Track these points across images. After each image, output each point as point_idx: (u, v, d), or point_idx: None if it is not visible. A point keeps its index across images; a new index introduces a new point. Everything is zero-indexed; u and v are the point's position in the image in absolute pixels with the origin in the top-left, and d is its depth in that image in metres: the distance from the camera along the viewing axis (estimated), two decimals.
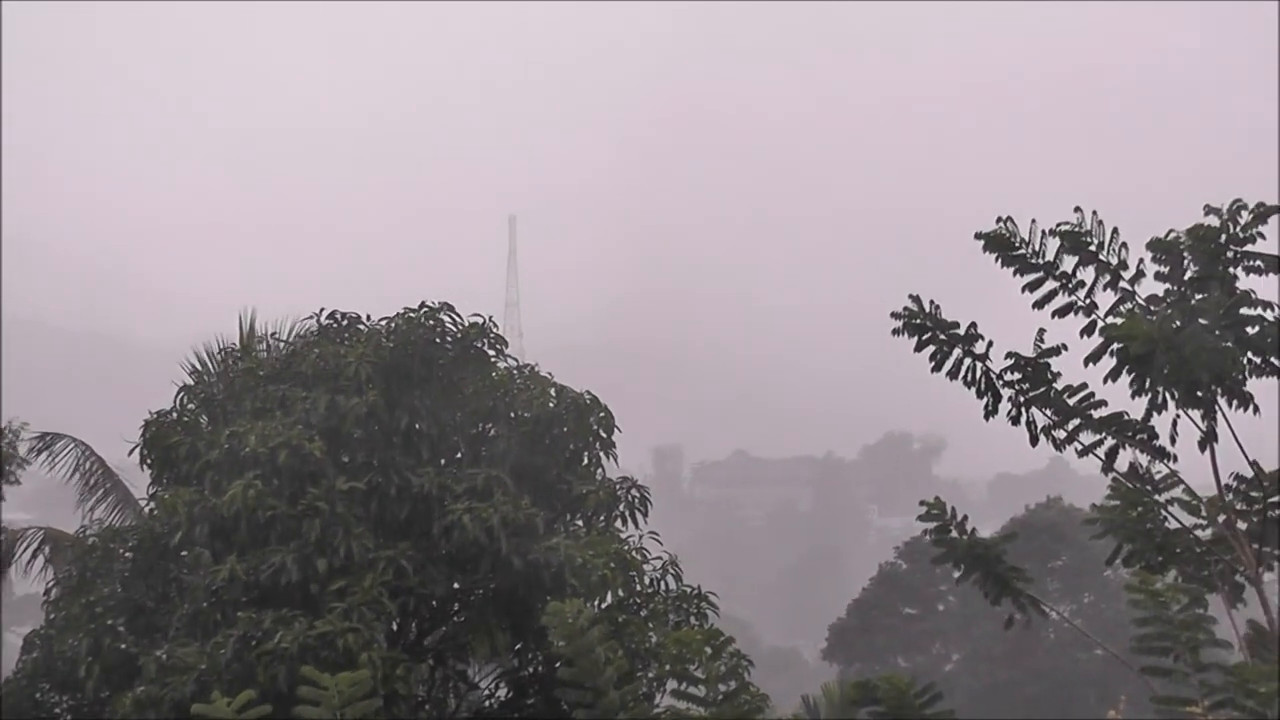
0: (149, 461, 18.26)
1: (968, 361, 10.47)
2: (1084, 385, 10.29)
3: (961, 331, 10.38)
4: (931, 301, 10.46)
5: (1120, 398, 10.25)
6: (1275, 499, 10.19)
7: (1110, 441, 10.46)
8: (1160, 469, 10.62)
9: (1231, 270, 9.97)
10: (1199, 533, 10.75)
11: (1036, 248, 10.47)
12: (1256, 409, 9.72)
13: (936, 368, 10.47)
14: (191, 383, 19.45)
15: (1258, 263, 9.93)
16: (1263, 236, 9.95)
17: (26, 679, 17.06)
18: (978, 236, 10.53)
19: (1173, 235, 10.18)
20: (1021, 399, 10.41)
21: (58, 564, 22.32)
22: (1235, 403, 9.74)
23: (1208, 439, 9.91)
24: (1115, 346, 9.88)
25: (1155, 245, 10.23)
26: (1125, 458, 10.61)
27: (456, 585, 17.60)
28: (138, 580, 17.53)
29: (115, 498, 24.44)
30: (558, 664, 16.75)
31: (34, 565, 23.83)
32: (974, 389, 10.49)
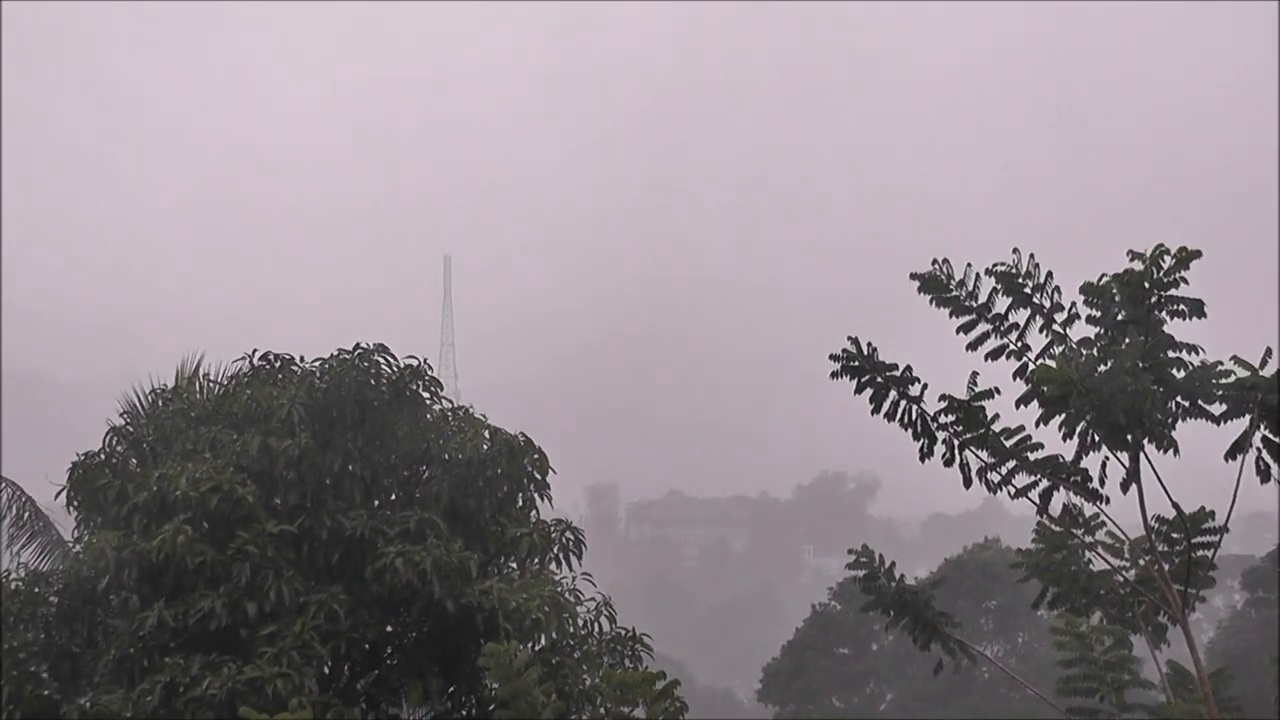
0: (75, 504, 17.99)
1: (904, 404, 10.57)
2: (1021, 428, 10.43)
3: (898, 374, 10.49)
4: (869, 344, 10.56)
5: (1054, 440, 10.40)
6: (1196, 540, 10.35)
7: (1044, 484, 10.59)
8: (1092, 510, 10.76)
9: (1157, 314, 10.15)
10: (1123, 574, 10.90)
11: (970, 289, 10.60)
12: (1177, 451, 9.88)
13: (875, 409, 10.56)
14: (120, 423, 19.17)
15: (1181, 307, 10.12)
16: (1185, 281, 10.14)
17: None
18: (913, 277, 10.65)
19: (1104, 280, 10.36)
20: (955, 441, 10.52)
21: None
22: (1159, 445, 9.89)
23: (1130, 480, 10.06)
24: (1041, 390, 10.02)
25: (1087, 289, 10.41)
26: (1059, 499, 10.74)
27: (389, 629, 17.45)
28: (62, 625, 17.22)
29: (44, 540, 24.02)
30: (491, 707, 16.77)
31: None
32: (910, 431, 10.59)
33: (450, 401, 18.98)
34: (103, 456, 18.10)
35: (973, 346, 10.65)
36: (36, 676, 16.55)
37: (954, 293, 10.57)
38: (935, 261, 10.63)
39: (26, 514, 24.14)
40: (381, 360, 17.91)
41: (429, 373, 18.30)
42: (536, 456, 18.52)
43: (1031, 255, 10.57)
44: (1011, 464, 10.45)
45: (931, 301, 10.61)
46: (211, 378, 20.87)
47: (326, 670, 16.87)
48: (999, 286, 10.59)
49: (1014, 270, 10.56)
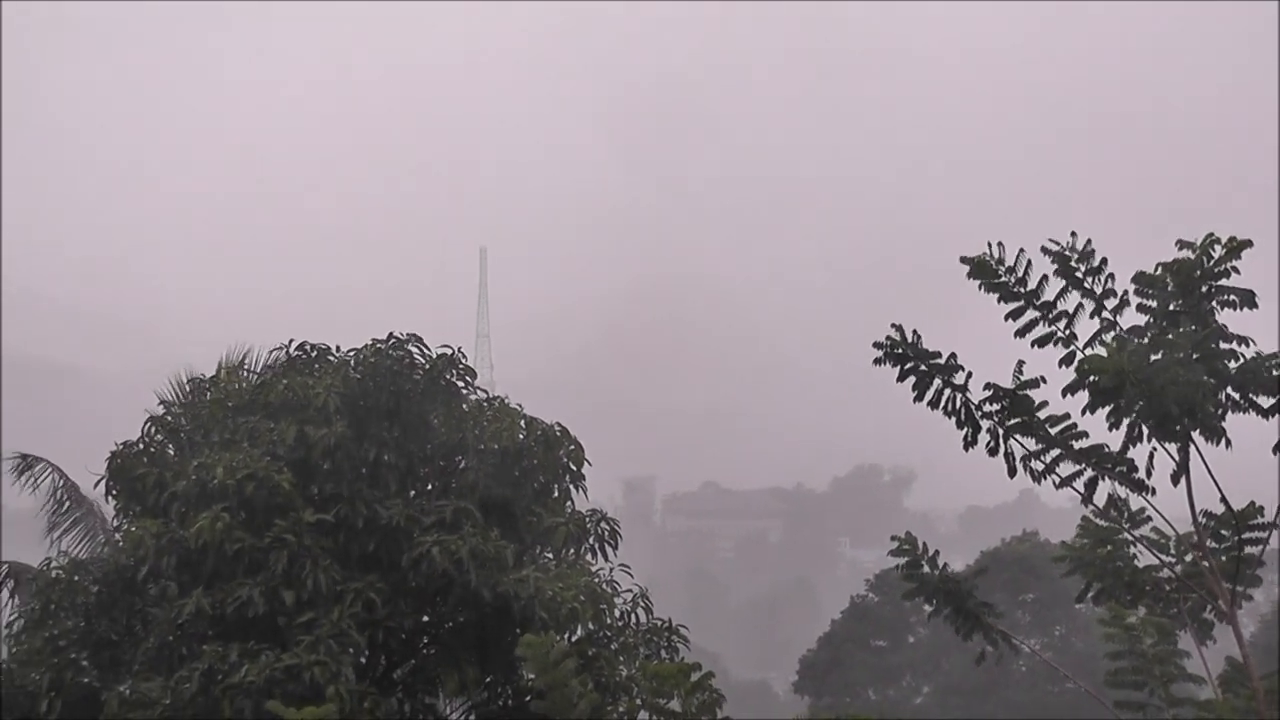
0: (114, 492, 18.07)
1: (947, 392, 10.42)
2: (1066, 415, 10.27)
3: (942, 361, 10.34)
4: (914, 331, 10.41)
5: (1099, 431, 10.24)
6: (1245, 536, 10.18)
7: (1089, 473, 10.42)
8: (1138, 504, 10.59)
9: (1208, 304, 9.96)
10: (1169, 570, 10.73)
11: (1021, 274, 10.42)
12: (1229, 443, 9.71)
13: (919, 398, 10.40)
14: (158, 413, 19.23)
15: (1232, 297, 9.94)
16: (1237, 271, 9.96)
17: None
18: (963, 261, 10.47)
19: (1158, 269, 10.17)
20: (1000, 430, 10.36)
21: (21, 597, 22.03)
22: (1209, 437, 9.72)
23: (1180, 473, 9.90)
24: (1090, 378, 9.85)
25: (1140, 279, 10.22)
26: (1104, 490, 10.57)
27: (425, 618, 17.46)
28: (102, 613, 17.29)
29: (87, 525, 24.17)
30: (527, 697, 16.75)
31: None
32: (954, 419, 10.44)
33: (485, 392, 18.94)
34: (141, 446, 18.17)
35: (1021, 333, 10.47)
36: (76, 664, 16.62)
37: (1003, 278, 10.39)
38: (987, 245, 10.45)
39: (68, 500, 24.32)
40: (415, 350, 17.89)
41: (463, 362, 18.26)
42: (572, 447, 18.47)
43: (1089, 240, 10.36)
44: (1057, 452, 10.28)
45: (980, 287, 10.43)
46: (248, 367, 20.93)
47: (363, 659, 16.88)
48: (1054, 266, 10.38)
49: (1068, 251, 10.35)
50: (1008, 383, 10.20)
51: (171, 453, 18.47)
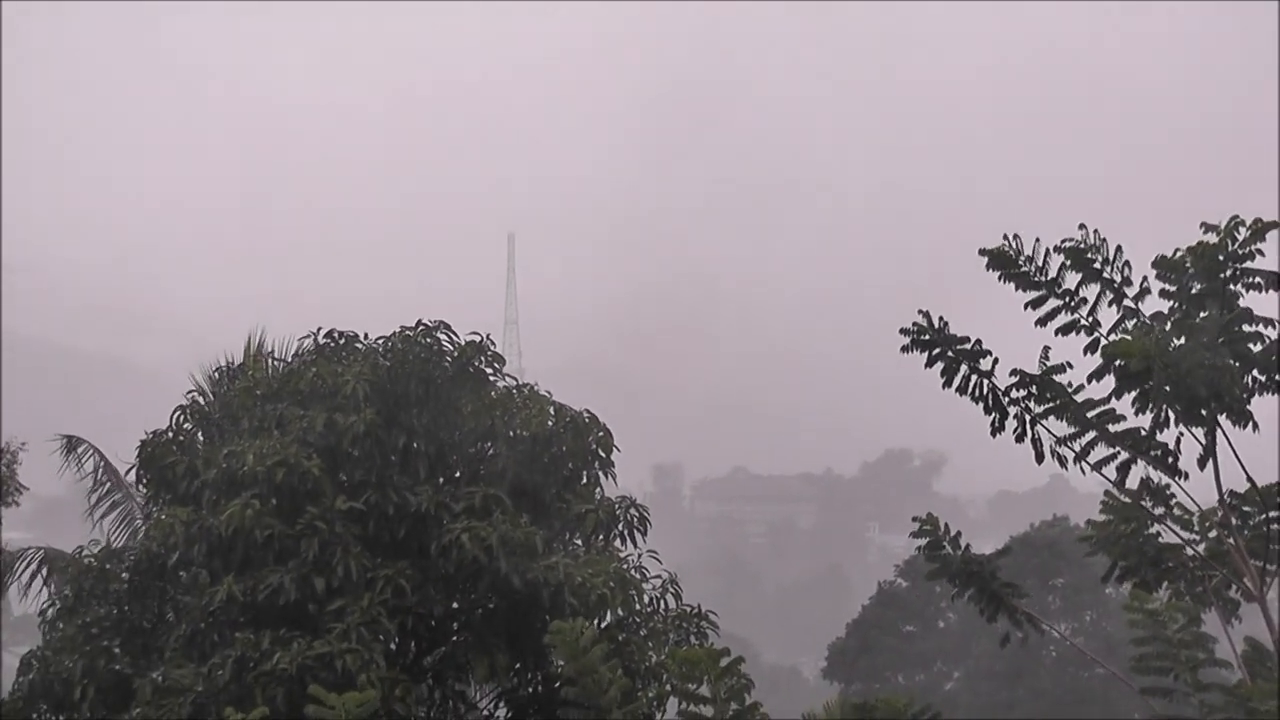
0: (145, 481, 18.21)
1: (974, 378, 10.42)
2: (1106, 399, 10.26)
3: (969, 347, 10.34)
4: (940, 318, 10.42)
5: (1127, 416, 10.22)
6: (1273, 514, 10.15)
7: (1122, 457, 10.41)
8: (1172, 486, 10.57)
9: (1232, 287, 9.93)
10: (1194, 548, 10.71)
11: (1040, 264, 10.43)
12: (1256, 426, 9.68)
13: (946, 383, 10.42)
14: (187, 402, 19.36)
15: (1257, 279, 9.90)
16: (1261, 253, 9.92)
17: (23, 700, 16.96)
18: (982, 253, 10.49)
19: (1178, 254, 10.14)
20: (1027, 415, 10.36)
21: (56, 584, 22.25)
22: (1236, 420, 9.69)
23: (1207, 456, 9.87)
24: (1115, 364, 9.84)
25: (1160, 263, 10.20)
26: (1136, 474, 10.56)
27: (455, 605, 17.52)
28: (134, 601, 17.45)
29: (125, 510, 24.40)
30: (558, 684, 16.81)
31: (33, 586, 23.78)
32: (981, 405, 10.45)
33: (514, 379, 18.97)
34: (170, 434, 18.29)
35: (1042, 322, 10.48)
36: (109, 651, 16.77)
37: (1023, 268, 10.40)
38: (1005, 236, 10.47)
39: (109, 482, 24.57)
40: (444, 337, 17.92)
41: (491, 349, 18.29)
42: (601, 433, 18.47)
43: (1097, 230, 10.37)
44: (1090, 436, 10.27)
45: (1000, 277, 10.45)
46: (277, 356, 21.03)
47: (394, 646, 16.96)
48: (1068, 262, 10.41)
49: (1082, 245, 10.36)
50: (1021, 369, 10.22)
51: (201, 441, 18.59)
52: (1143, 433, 10.20)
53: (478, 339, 18.15)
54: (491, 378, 18.41)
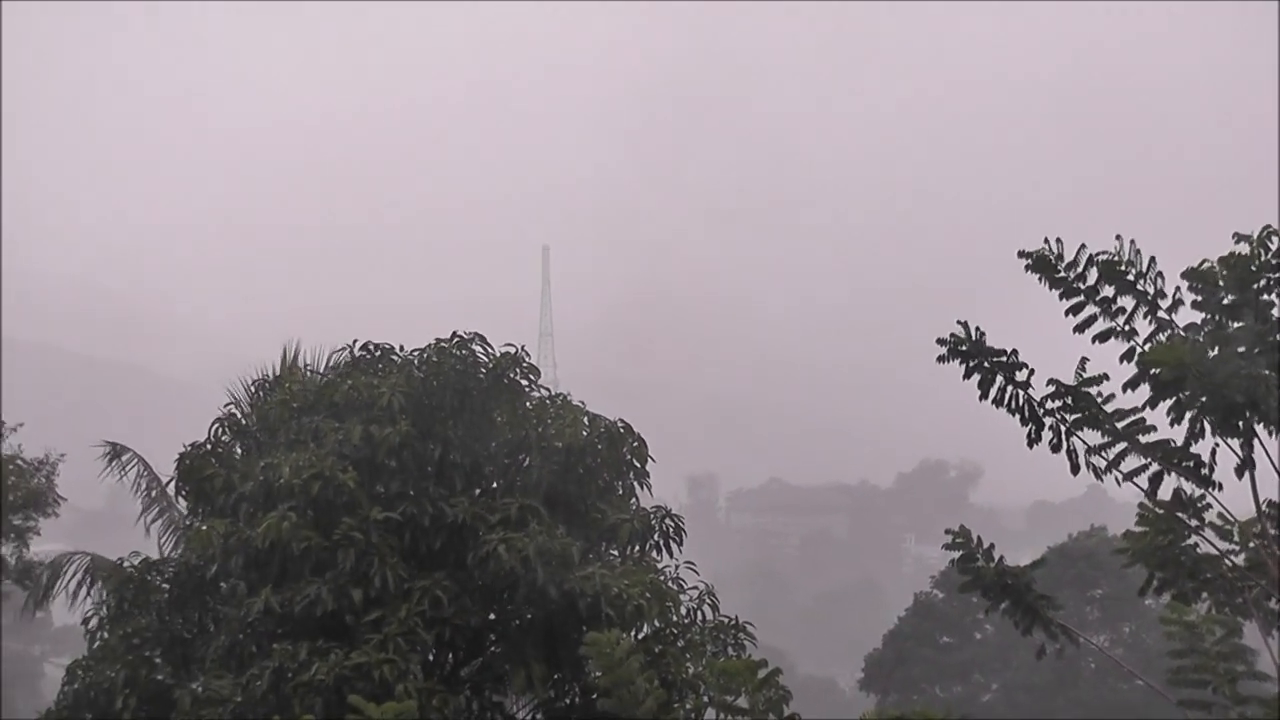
0: (184, 493, 18.34)
1: (1010, 389, 10.39)
2: (1135, 409, 10.21)
3: (1005, 359, 10.31)
4: (978, 328, 10.39)
5: (1160, 427, 10.17)
6: None
7: (1154, 468, 10.34)
8: (1204, 496, 10.48)
9: (1266, 297, 9.87)
10: (1232, 559, 10.62)
11: (1080, 270, 10.38)
12: None
13: (983, 395, 10.39)
14: (225, 414, 19.49)
15: None
16: None
17: (68, 709, 17.12)
18: (1022, 255, 10.45)
19: (1207, 264, 10.09)
20: (1063, 426, 10.31)
21: (100, 592, 22.42)
22: (1272, 429, 9.62)
23: (1245, 466, 9.81)
24: (1151, 373, 9.78)
25: (1191, 275, 10.14)
26: (1169, 485, 10.49)
27: (491, 615, 17.55)
28: (174, 612, 17.59)
29: (169, 519, 24.57)
30: (595, 695, 16.81)
31: (79, 594, 23.99)
32: (1017, 416, 10.41)
33: (548, 390, 19.00)
34: (209, 446, 18.42)
35: (1081, 329, 10.43)
36: (150, 661, 16.91)
37: (1062, 274, 10.36)
38: (1045, 240, 10.42)
39: (154, 490, 24.76)
40: (479, 349, 17.99)
41: (526, 360, 18.34)
42: (636, 444, 18.49)
43: (1133, 241, 10.33)
44: (1121, 447, 10.22)
45: (1040, 280, 10.41)
46: (314, 368, 21.15)
47: (431, 657, 17.01)
48: (1102, 273, 10.37)
49: (1116, 258, 10.32)
50: (1057, 379, 10.18)
51: (239, 453, 18.71)
52: (1174, 444, 10.14)
53: (512, 350, 18.19)
54: (526, 388, 18.45)
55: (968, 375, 10.42)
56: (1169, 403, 9.82)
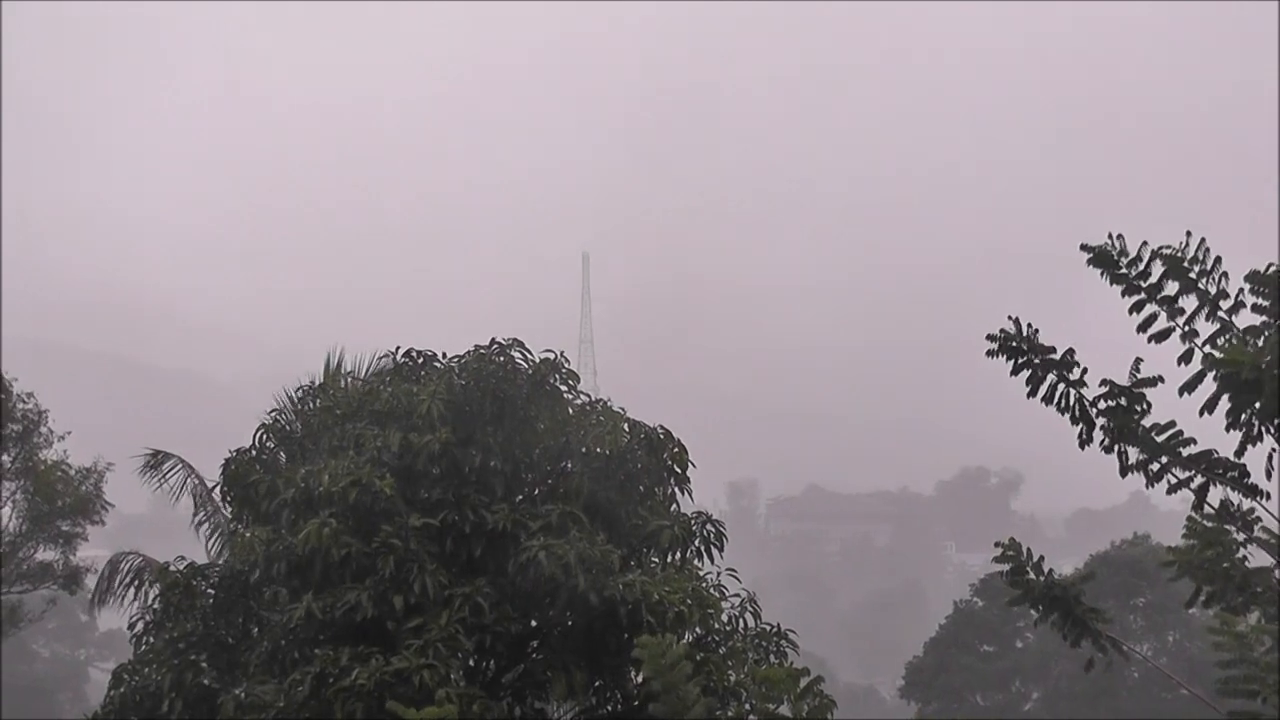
0: (229, 498, 18.47)
1: (1062, 387, 10.25)
2: (1172, 423, 10.05)
3: (1058, 356, 10.18)
4: (1030, 325, 10.26)
5: (1208, 432, 10.02)
6: None
7: (1200, 478, 10.20)
8: (1254, 509, 10.32)
9: None
10: None
11: (1142, 268, 10.22)
12: None
13: (1032, 393, 10.26)
14: (270, 420, 19.62)
15: None
16: None
17: (114, 713, 17.25)
18: (1084, 249, 10.30)
19: (1272, 268, 9.93)
20: (1114, 429, 10.17)
21: (147, 595, 22.64)
22: None
23: None
24: (1215, 374, 9.58)
25: (1253, 278, 9.97)
26: (1217, 494, 10.33)
27: (532, 622, 17.54)
28: (219, 616, 17.70)
29: (215, 523, 24.76)
30: (635, 702, 16.79)
31: (128, 594, 24.27)
32: (1068, 416, 10.27)
33: (588, 396, 18.98)
34: (253, 453, 18.54)
35: (1142, 328, 10.26)
36: (196, 665, 17.01)
37: (1124, 270, 10.19)
38: (1109, 235, 10.26)
39: (199, 496, 24.99)
40: (518, 355, 17.99)
41: (566, 366, 18.32)
42: (676, 450, 18.44)
43: (1203, 240, 10.15)
44: (1163, 461, 10.08)
45: (1103, 275, 10.24)
46: (356, 375, 21.25)
47: (472, 663, 17.03)
48: (1167, 269, 10.18)
49: (1181, 254, 10.15)
50: (1110, 379, 10.05)
51: (283, 459, 18.81)
52: (1216, 454, 9.98)
53: (552, 356, 18.19)
54: (566, 395, 18.45)
55: (1015, 372, 10.28)
56: (1226, 406, 9.63)
